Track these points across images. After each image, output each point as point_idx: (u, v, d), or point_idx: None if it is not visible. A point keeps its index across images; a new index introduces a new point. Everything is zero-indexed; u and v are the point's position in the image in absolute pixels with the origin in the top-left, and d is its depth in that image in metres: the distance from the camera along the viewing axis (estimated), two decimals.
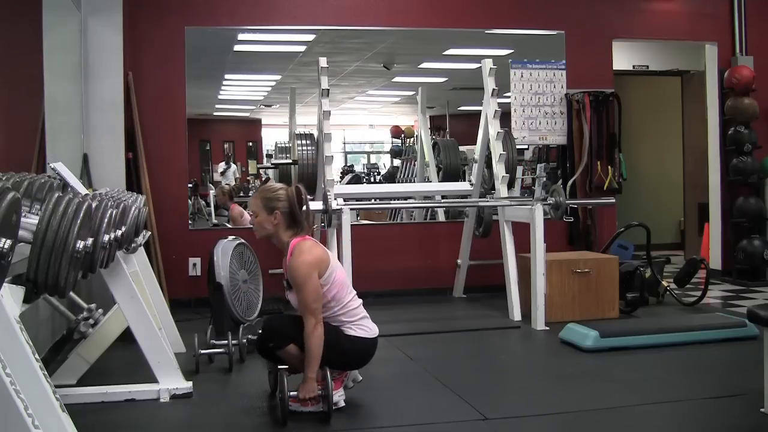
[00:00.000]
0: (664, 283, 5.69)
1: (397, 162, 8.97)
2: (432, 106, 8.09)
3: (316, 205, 4.90)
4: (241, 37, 6.44)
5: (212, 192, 7.37)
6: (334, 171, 5.22)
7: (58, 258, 2.04)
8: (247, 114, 8.97)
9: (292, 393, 3.07)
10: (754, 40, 6.80)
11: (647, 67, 8.02)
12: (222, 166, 8.11)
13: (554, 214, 5.32)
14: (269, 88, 8.31)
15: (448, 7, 6.35)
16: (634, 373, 3.78)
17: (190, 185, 6.22)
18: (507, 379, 3.91)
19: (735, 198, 6.74)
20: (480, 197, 5.78)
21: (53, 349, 4.24)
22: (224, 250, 4.61)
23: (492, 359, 4.33)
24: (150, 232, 5.08)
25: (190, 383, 3.45)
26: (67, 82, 5.12)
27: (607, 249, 5.85)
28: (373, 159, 10.55)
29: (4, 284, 1.91)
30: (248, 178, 8.33)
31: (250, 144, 8.58)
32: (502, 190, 5.31)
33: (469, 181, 5.97)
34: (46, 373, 2.04)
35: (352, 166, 9.92)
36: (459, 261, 6.06)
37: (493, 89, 5.43)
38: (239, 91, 8.56)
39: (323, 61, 5.32)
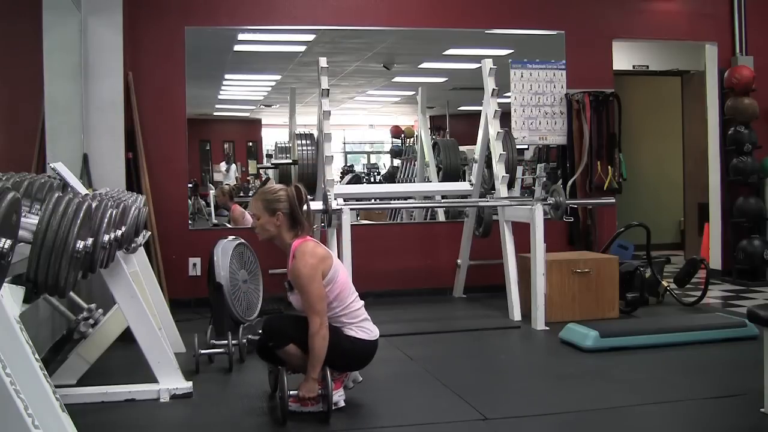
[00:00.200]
0: (664, 283, 5.68)
1: (397, 162, 8.98)
2: (432, 106, 8.09)
3: (316, 205, 4.90)
4: (241, 37, 6.44)
5: (212, 192, 7.37)
6: (334, 171, 5.22)
7: (58, 258, 2.04)
8: (247, 114, 8.97)
9: (292, 392, 3.07)
10: (754, 40, 6.80)
11: (647, 67, 8.02)
12: (224, 165, 8.12)
13: (554, 214, 5.32)
14: (269, 88, 8.32)
15: (448, 7, 6.35)
16: (634, 373, 3.78)
17: (190, 185, 6.23)
18: (507, 379, 3.91)
19: (735, 198, 6.74)
20: (480, 197, 5.78)
21: (53, 349, 4.24)
22: (224, 250, 4.61)
23: (492, 359, 4.33)
24: (150, 232, 5.08)
25: (190, 383, 3.45)
26: (67, 82, 5.12)
27: (607, 249, 5.85)
28: (373, 159, 10.56)
29: (4, 284, 1.91)
30: (248, 178, 8.34)
31: (250, 144, 8.58)
32: (502, 190, 5.31)
33: (469, 181, 5.97)
34: (46, 373, 2.04)
35: (352, 166, 9.93)
36: (459, 261, 6.06)
37: (493, 89, 5.43)
38: (239, 91, 8.56)
39: (323, 61, 5.32)
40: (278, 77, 7.76)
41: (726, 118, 6.77)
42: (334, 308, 3.17)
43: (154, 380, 3.38)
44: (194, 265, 5.84)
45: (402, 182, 8.29)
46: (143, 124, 5.64)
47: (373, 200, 6.14)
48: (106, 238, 2.56)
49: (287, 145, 6.33)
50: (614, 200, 6.04)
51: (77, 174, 4.70)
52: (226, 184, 7.58)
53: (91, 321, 3.81)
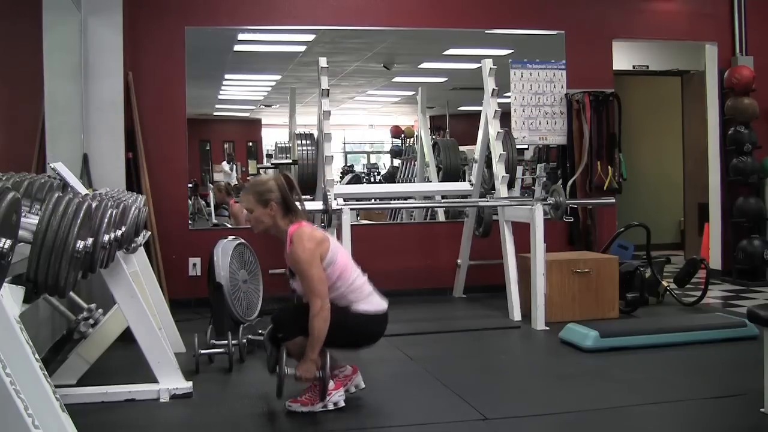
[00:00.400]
0: (664, 283, 5.68)
1: (397, 162, 8.97)
2: (432, 106, 8.09)
3: (316, 205, 4.91)
4: (241, 37, 6.43)
5: (212, 191, 7.37)
6: (334, 171, 5.22)
7: (58, 258, 2.04)
8: (247, 114, 8.96)
9: (290, 371, 3.10)
10: (754, 40, 6.80)
11: (647, 67, 8.02)
12: (226, 165, 8.12)
13: (554, 214, 5.32)
14: (269, 88, 8.31)
15: (448, 7, 6.36)
16: (634, 373, 3.78)
17: (190, 185, 6.22)
18: (507, 379, 3.91)
19: (735, 198, 6.74)
20: (480, 197, 5.78)
21: (53, 349, 4.24)
22: (224, 250, 4.61)
23: (492, 359, 4.33)
24: (150, 232, 5.08)
25: (190, 383, 3.45)
26: (67, 82, 5.13)
27: (607, 249, 5.85)
28: (373, 159, 10.55)
29: (4, 284, 1.91)
30: (248, 177, 8.33)
31: (250, 144, 8.57)
32: (502, 190, 5.31)
33: (469, 181, 5.97)
34: (46, 373, 2.04)
35: (352, 166, 9.92)
36: (459, 261, 6.06)
37: (493, 89, 5.43)
38: (239, 91, 8.56)
39: (323, 61, 5.33)
40: (278, 77, 7.75)
41: (726, 118, 6.77)
42: (338, 287, 3.18)
43: (154, 380, 3.38)
44: (194, 265, 5.85)
45: (402, 182, 8.29)
46: (143, 124, 5.64)
47: (373, 200, 6.14)
48: (106, 238, 2.56)
49: (287, 145, 6.34)
50: (614, 200, 6.04)
51: (77, 174, 4.70)
52: (223, 181, 7.58)
53: (91, 321, 3.81)
